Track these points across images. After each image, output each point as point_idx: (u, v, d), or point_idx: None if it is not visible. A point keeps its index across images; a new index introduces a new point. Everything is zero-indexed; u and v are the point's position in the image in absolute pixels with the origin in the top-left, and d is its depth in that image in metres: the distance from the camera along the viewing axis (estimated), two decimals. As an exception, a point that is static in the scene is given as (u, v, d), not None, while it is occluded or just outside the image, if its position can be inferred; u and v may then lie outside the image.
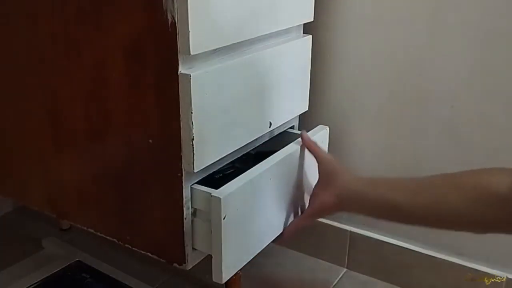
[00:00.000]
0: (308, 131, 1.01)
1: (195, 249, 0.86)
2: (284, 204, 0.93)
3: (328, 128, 1.05)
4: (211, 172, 0.86)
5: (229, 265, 0.81)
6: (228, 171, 0.93)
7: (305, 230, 0.97)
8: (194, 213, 0.84)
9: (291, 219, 0.96)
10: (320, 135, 1.01)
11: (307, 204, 0.96)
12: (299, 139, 0.96)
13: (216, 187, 0.80)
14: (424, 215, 0.75)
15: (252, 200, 0.84)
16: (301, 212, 0.98)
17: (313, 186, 0.92)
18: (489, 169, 0.71)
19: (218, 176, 0.90)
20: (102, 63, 0.81)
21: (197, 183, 0.83)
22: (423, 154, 1.08)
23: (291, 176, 0.93)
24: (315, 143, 0.94)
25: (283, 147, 1.07)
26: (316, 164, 0.92)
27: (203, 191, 0.82)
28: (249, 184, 0.81)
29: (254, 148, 0.96)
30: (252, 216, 0.85)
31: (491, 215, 0.67)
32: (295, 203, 0.96)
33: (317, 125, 1.06)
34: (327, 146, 1.07)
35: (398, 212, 0.77)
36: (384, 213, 0.80)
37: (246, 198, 0.82)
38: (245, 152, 0.93)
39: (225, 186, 0.79)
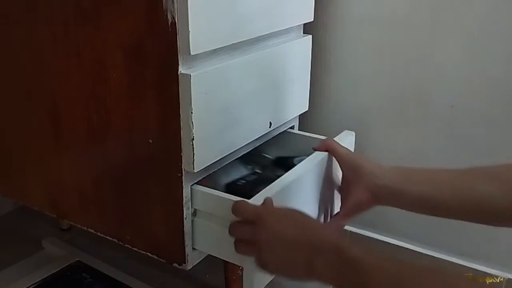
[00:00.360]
0: (334, 136, 0.97)
1: (195, 249, 0.86)
2: (313, 212, 0.89)
3: (354, 134, 1.01)
4: (211, 172, 0.86)
5: (260, 276, 0.77)
6: (251, 178, 0.92)
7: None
8: (194, 213, 0.84)
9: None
10: (347, 141, 0.97)
11: (335, 207, 0.92)
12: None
13: (240, 195, 0.78)
14: (466, 210, 0.72)
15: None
16: (330, 216, 0.93)
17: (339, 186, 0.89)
18: None
19: (241, 183, 0.89)
20: (102, 63, 0.81)
21: (222, 191, 0.82)
22: (423, 153, 1.08)
23: (319, 183, 0.89)
24: (332, 140, 0.90)
25: (283, 147, 1.07)
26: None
27: (203, 191, 0.82)
28: (279, 194, 0.77)
29: (265, 153, 0.97)
30: None
31: None
32: (324, 209, 0.92)
33: (317, 125, 1.06)
34: (353, 151, 1.01)
35: (438, 207, 0.74)
36: (423, 208, 0.77)
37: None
38: (245, 152, 0.93)
39: (255, 197, 0.75)
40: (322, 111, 1.16)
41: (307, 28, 1.05)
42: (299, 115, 1.09)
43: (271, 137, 1.00)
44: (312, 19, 1.03)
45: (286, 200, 0.79)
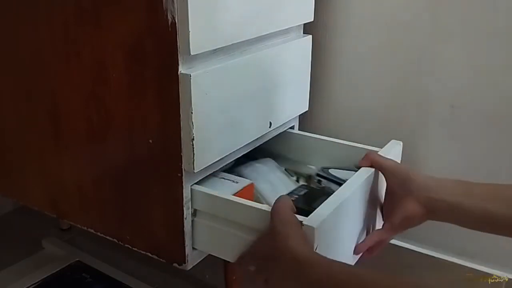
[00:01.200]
0: (381, 147, 0.93)
1: (195, 249, 0.86)
2: (363, 227, 0.86)
3: (401, 144, 0.97)
4: (211, 172, 0.86)
5: None
6: (301, 192, 0.90)
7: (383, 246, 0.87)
8: (194, 213, 0.84)
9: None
10: (394, 152, 0.93)
11: (377, 224, 0.89)
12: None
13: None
14: None
15: (339, 226, 0.78)
16: (373, 229, 0.89)
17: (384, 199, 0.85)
18: None
19: (294, 199, 0.86)
20: (102, 63, 0.81)
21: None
22: (423, 153, 1.08)
23: (366, 199, 0.85)
24: (375, 153, 0.86)
25: (284, 148, 1.07)
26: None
27: (203, 191, 0.82)
28: (337, 210, 0.74)
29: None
30: (338, 242, 0.79)
31: None
32: (367, 226, 0.88)
33: (317, 125, 1.05)
34: (399, 161, 0.98)
35: (501, 225, 0.70)
36: (484, 225, 0.72)
37: (334, 225, 0.75)
38: (246, 152, 0.93)
39: (314, 212, 0.72)
40: (322, 111, 1.16)
41: (307, 28, 1.05)
42: (299, 115, 1.09)
43: (271, 137, 1.00)
44: (312, 19, 1.03)
45: (340, 217, 0.77)
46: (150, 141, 0.80)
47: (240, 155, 0.92)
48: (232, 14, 0.80)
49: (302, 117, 1.11)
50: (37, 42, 0.89)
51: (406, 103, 1.07)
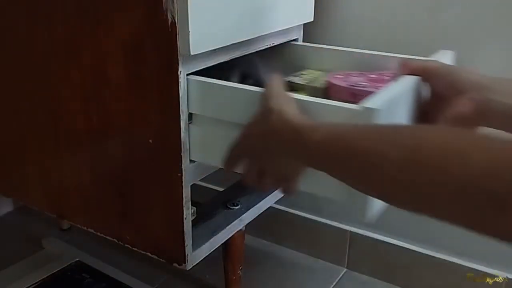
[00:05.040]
0: None
1: (195, 249, 0.86)
2: None
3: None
4: (211, 172, 0.86)
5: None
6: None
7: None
8: (194, 212, 0.84)
9: None
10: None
11: None
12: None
13: None
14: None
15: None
16: None
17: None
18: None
19: None
20: (102, 63, 0.81)
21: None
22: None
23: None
24: (411, 60, 0.75)
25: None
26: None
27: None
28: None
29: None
30: None
31: None
32: None
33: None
34: None
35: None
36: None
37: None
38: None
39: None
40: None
41: (307, 28, 1.05)
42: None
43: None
44: (312, 19, 1.03)
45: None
46: (150, 141, 0.80)
47: (240, 155, 0.92)
48: (232, 14, 0.80)
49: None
50: (37, 42, 0.89)
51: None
